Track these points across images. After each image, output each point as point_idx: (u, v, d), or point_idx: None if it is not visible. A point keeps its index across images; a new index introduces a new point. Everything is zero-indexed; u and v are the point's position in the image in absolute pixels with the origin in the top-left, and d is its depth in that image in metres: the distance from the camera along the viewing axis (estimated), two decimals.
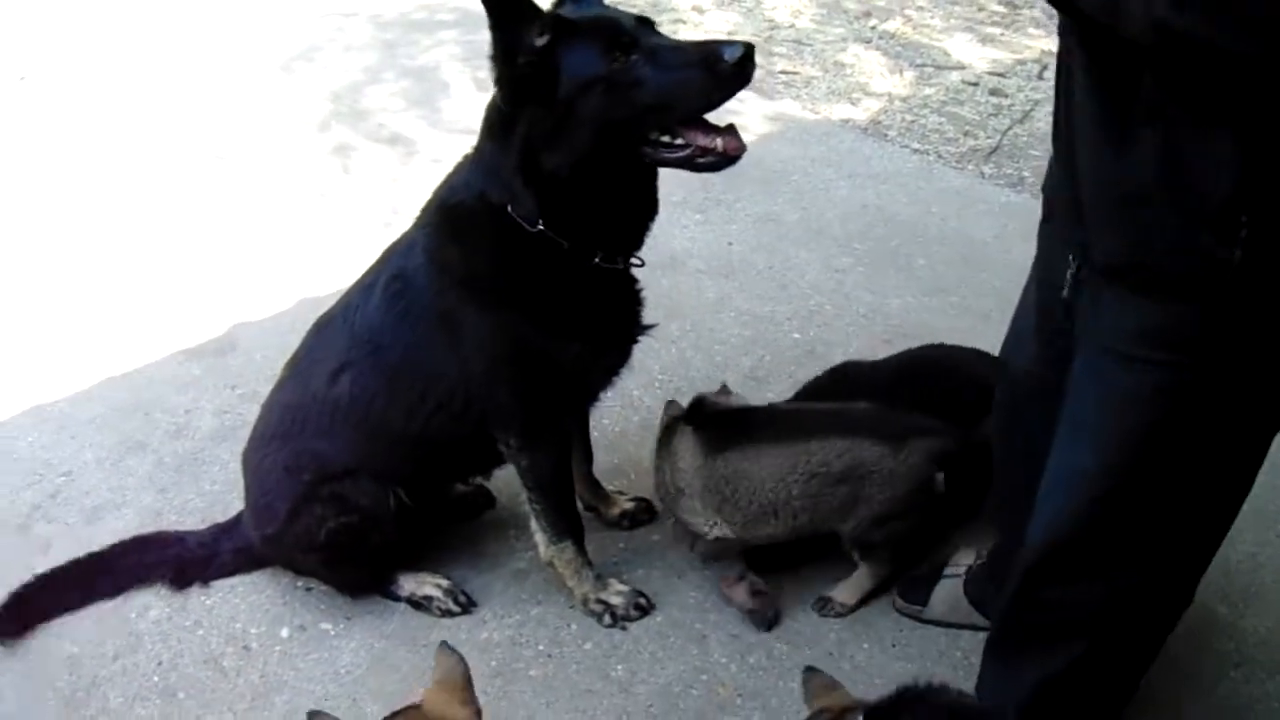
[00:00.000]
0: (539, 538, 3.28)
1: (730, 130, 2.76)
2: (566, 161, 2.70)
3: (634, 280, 3.09)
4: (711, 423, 3.32)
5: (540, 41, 2.63)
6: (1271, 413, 2.29)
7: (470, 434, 3.13)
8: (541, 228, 2.79)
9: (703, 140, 2.73)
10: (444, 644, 2.27)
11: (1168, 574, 2.48)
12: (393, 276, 3.07)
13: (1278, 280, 2.02)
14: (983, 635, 2.98)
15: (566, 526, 3.26)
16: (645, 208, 2.97)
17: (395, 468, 3.19)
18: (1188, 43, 1.78)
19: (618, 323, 3.11)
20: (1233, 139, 1.90)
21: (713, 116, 2.75)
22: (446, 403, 3.06)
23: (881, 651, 3.22)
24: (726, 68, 2.62)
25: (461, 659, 2.23)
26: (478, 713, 2.18)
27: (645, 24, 2.77)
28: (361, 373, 3.11)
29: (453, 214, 2.97)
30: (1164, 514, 2.35)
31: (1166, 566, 2.46)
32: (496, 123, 2.80)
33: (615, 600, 3.28)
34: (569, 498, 3.31)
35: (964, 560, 3.31)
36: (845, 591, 3.30)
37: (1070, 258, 2.35)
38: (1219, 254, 1.98)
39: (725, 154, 2.74)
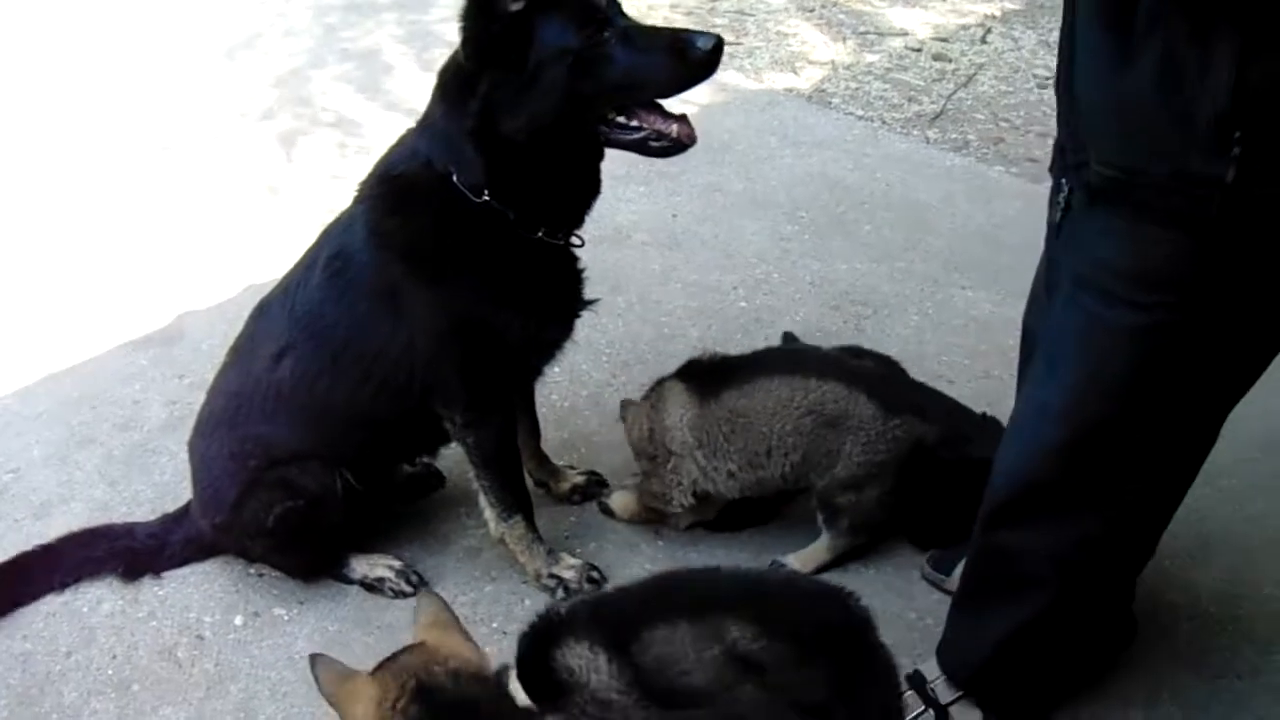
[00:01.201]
0: (488, 515, 3.27)
1: (684, 119, 2.79)
2: (525, 128, 2.72)
3: (575, 257, 3.10)
4: (702, 374, 3.32)
5: (516, 6, 2.64)
6: (1254, 361, 2.27)
7: (415, 412, 3.12)
8: (487, 198, 2.80)
9: (660, 125, 2.77)
10: (425, 589, 2.27)
11: (1133, 522, 2.48)
12: (333, 255, 3.06)
13: (1271, 212, 2.01)
14: (902, 635, 3.02)
15: (515, 502, 3.26)
16: (590, 186, 2.99)
17: (341, 450, 3.18)
18: None
19: (559, 297, 3.11)
20: (1230, 50, 1.88)
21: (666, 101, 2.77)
22: (390, 380, 3.05)
23: None
24: (697, 55, 2.66)
25: (446, 602, 2.23)
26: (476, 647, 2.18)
27: (616, 4, 2.79)
28: (303, 354, 3.10)
29: (395, 186, 2.98)
30: (1132, 460, 2.35)
31: (1132, 514, 2.45)
32: (453, 85, 2.81)
33: (567, 574, 3.28)
34: (517, 473, 3.30)
35: None
36: (801, 559, 3.29)
37: (1063, 181, 2.33)
38: (1211, 170, 1.97)
39: (678, 140, 2.78)
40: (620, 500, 3.48)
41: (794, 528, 3.41)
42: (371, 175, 3.07)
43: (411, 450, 3.42)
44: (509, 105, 2.71)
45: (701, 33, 2.69)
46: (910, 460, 3.16)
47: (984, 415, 3.34)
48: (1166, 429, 2.31)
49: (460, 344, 3.00)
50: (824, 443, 3.13)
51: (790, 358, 3.35)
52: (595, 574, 3.30)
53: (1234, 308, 2.15)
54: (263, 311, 3.28)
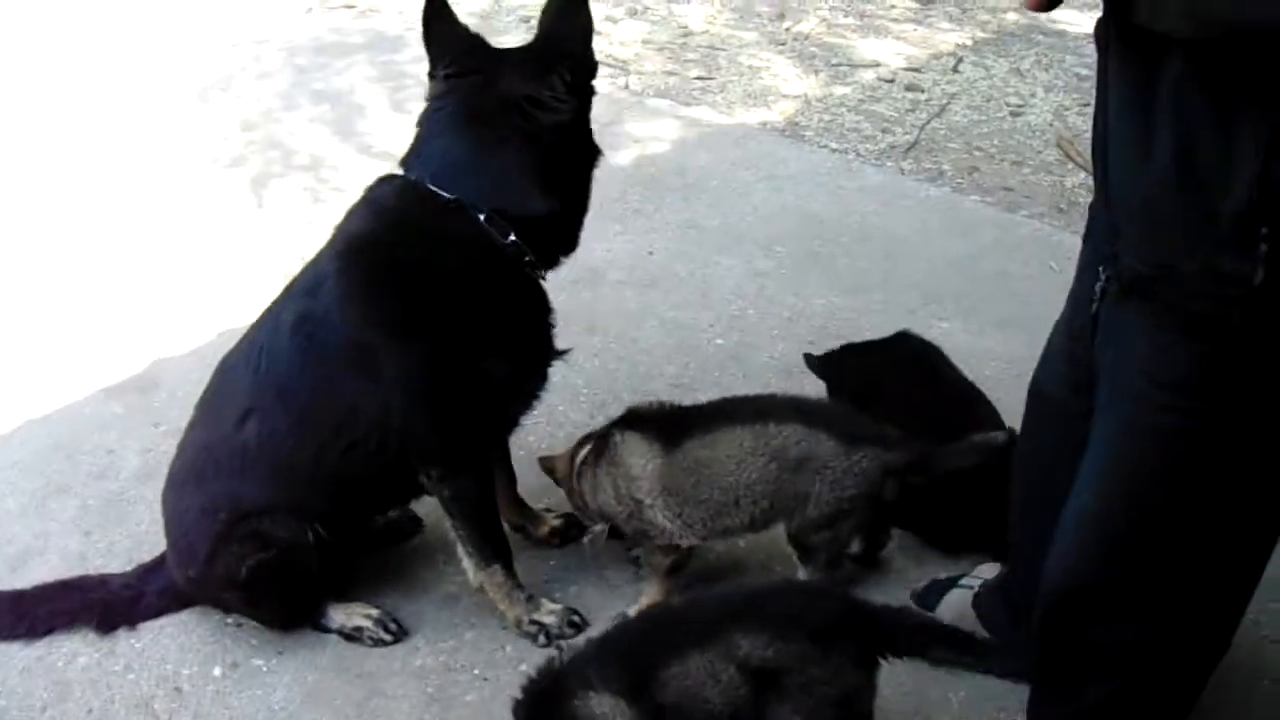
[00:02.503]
0: (467, 564, 3.25)
1: None
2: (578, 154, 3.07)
3: (549, 305, 3.15)
4: (658, 422, 3.27)
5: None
6: None
7: (389, 468, 3.11)
8: (513, 238, 2.93)
9: None
10: None
11: (1189, 621, 2.40)
12: (300, 318, 3.05)
13: None
14: (882, 672, 2.98)
15: (493, 550, 3.24)
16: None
17: (311, 505, 3.15)
18: (1220, 27, 1.75)
19: (540, 339, 3.12)
20: (1255, 139, 1.84)
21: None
22: (362, 440, 3.03)
23: None
24: None
25: None
26: None
27: None
28: (268, 416, 3.09)
29: (369, 240, 2.99)
30: (1175, 562, 2.30)
31: (1187, 614, 2.38)
32: (494, 120, 2.95)
33: (548, 620, 3.26)
34: (494, 522, 3.29)
35: (985, 573, 3.25)
36: None
37: (1100, 269, 2.29)
38: (1237, 269, 1.92)
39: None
40: (646, 597, 3.36)
41: (771, 562, 3.41)
42: (343, 230, 3.08)
43: (385, 503, 3.41)
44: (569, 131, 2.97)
45: None
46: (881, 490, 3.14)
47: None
48: (1208, 531, 2.26)
49: (440, 397, 3.00)
50: (791, 486, 3.10)
51: (749, 405, 3.30)
52: (576, 618, 3.28)
53: (1265, 415, 2.11)
54: (226, 369, 3.26)
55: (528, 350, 3.07)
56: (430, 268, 2.94)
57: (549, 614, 3.27)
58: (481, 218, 2.92)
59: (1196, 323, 2.03)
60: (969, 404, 3.54)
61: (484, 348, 2.96)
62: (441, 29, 3.04)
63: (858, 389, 3.60)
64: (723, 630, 2.51)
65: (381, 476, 3.16)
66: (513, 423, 3.26)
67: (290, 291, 3.15)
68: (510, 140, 2.94)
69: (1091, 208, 2.51)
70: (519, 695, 2.59)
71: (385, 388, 2.98)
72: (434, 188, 2.95)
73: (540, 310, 3.11)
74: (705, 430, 3.17)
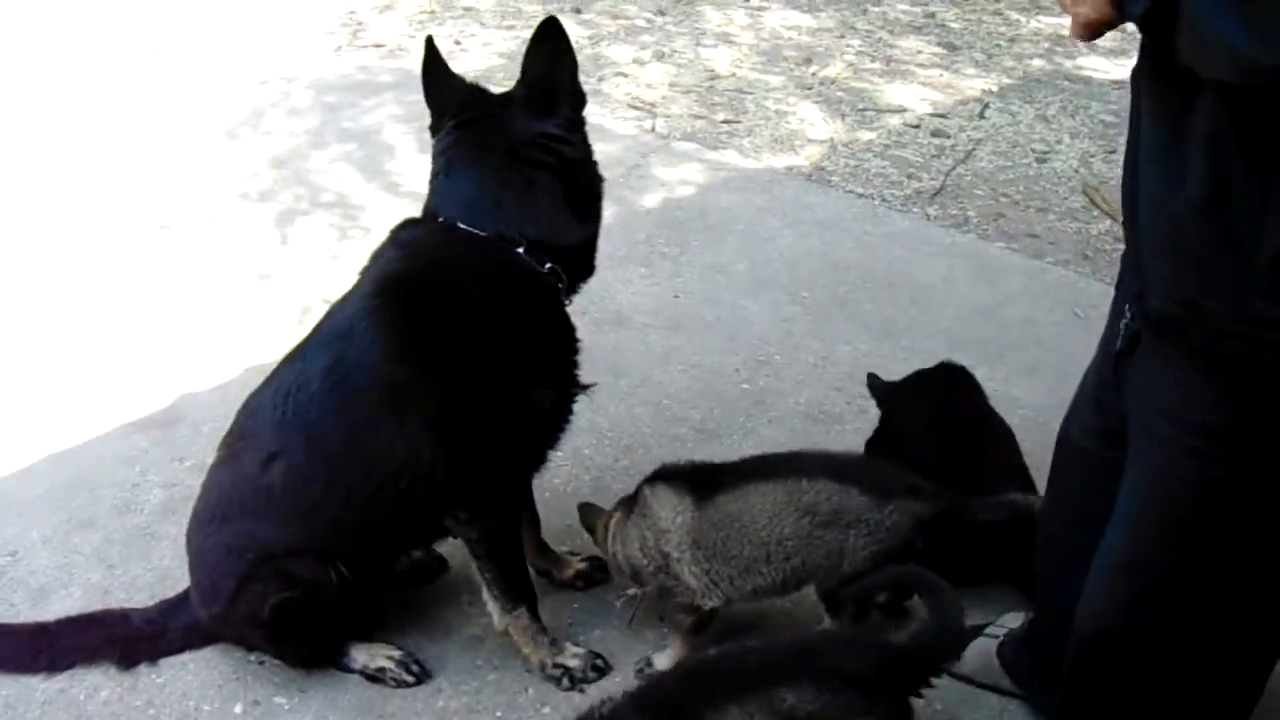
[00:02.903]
0: (492, 606, 3.24)
1: None
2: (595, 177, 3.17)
3: (573, 323, 3.20)
4: (689, 476, 3.24)
5: None
6: None
7: (414, 512, 3.11)
8: (550, 265, 3.00)
9: None
10: None
11: (1222, 672, 2.39)
12: (333, 363, 3.05)
13: None
14: (938, 692, 2.97)
15: (519, 593, 3.23)
16: None
17: (336, 547, 3.14)
18: (1267, 73, 1.74)
19: (571, 367, 3.16)
20: None
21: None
22: (390, 483, 3.03)
23: None
24: None
25: None
26: None
27: None
28: (294, 461, 3.09)
29: (401, 281, 3.02)
30: (1207, 611, 2.27)
31: (1226, 661, 2.37)
32: (536, 170, 3.04)
33: (573, 664, 3.24)
34: (520, 564, 3.28)
35: (1011, 622, 3.23)
36: None
37: (1126, 308, 2.27)
38: (1270, 312, 1.91)
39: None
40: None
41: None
42: (380, 273, 3.09)
43: (410, 545, 3.41)
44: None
45: None
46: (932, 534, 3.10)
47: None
48: (1239, 578, 2.24)
49: (478, 435, 3.01)
50: (823, 543, 3.05)
51: (780, 461, 3.27)
52: (600, 662, 3.27)
53: None
54: (251, 412, 3.26)
55: (562, 379, 3.10)
56: (473, 301, 2.96)
57: (573, 657, 3.26)
58: (520, 250, 2.98)
59: (1225, 365, 2.01)
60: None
61: (526, 377, 3.00)
62: (440, 82, 3.18)
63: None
64: (768, 682, 2.49)
65: (408, 519, 3.16)
66: (543, 459, 3.25)
67: (319, 334, 3.16)
68: (537, 176, 3.02)
69: (1124, 258, 2.49)
70: None
71: (417, 429, 2.98)
72: (466, 226, 2.98)
73: (570, 338, 3.15)
74: (737, 484, 3.14)
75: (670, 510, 3.16)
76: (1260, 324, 1.94)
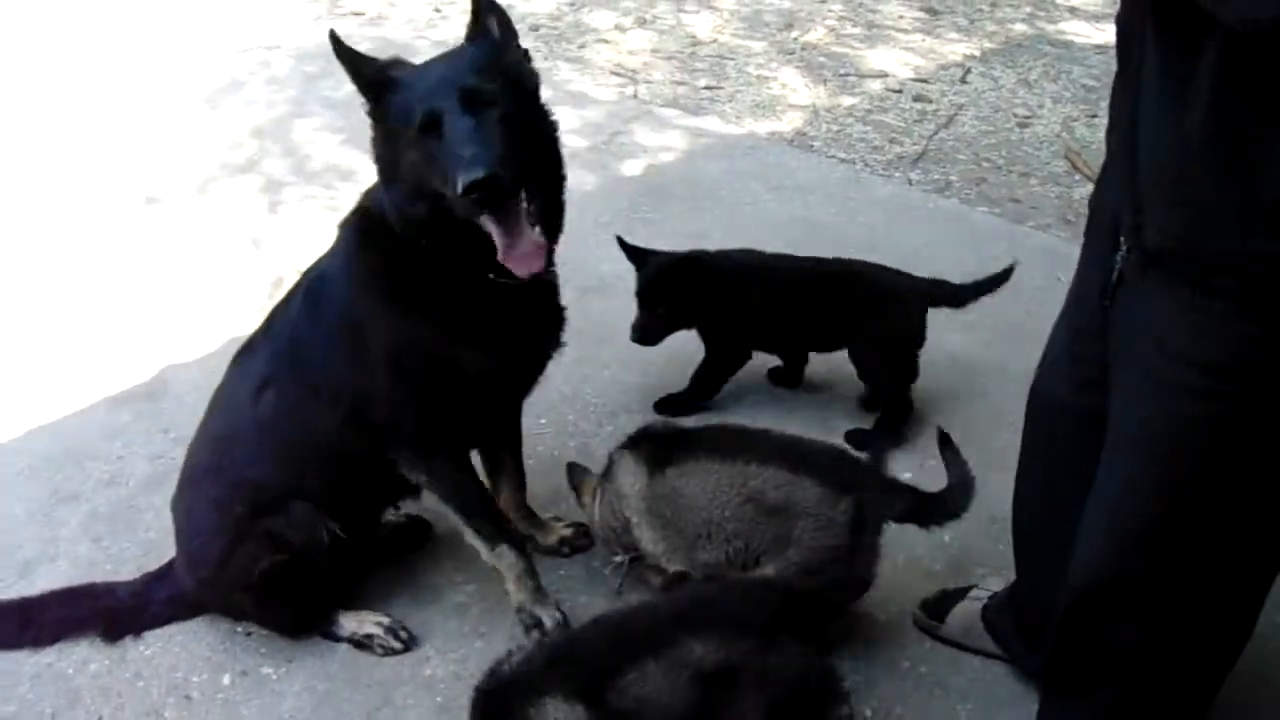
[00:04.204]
0: (477, 547, 3.26)
1: (533, 249, 2.75)
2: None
3: (551, 295, 3.15)
4: (650, 443, 3.27)
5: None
6: None
7: (377, 447, 3.11)
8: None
9: (497, 238, 2.73)
10: None
11: (1218, 614, 2.39)
12: (315, 279, 3.10)
13: None
14: (893, 684, 3.08)
15: (495, 531, 3.25)
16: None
17: (321, 489, 3.16)
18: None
19: (523, 337, 3.11)
20: None
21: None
22: (358, 411, 3.05)
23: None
24: (456, 187, 2.59)
25: None
26: None
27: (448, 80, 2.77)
28: (283, 385, 3.13)
29: (367, 217, 3.02)
30: (1208, 554, 2.26)
31: (1216, 607, 2.36)
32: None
33: (547, 620, 3.25)
34: (488, 504, 3.30)
35: (993, 585, 3.25)
36: None
37: (1121, 240, 2.21)
38: (1271, 250, 1.91)
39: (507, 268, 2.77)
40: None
41: None
42: (355, 205, 3.11)
43: (392, 491, 3.36)
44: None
45: (474, 162, 2.59)
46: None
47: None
48: (1237, 522, 2.23)
49: (412, 377, 3.01)
50: (768, 529, 3.04)
51: (737, 439, 3.25)
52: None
53: None
54: (242, 356, 3.30)
55: (498, 339, 3.03)
56: (390, 251, 2.94)
57: (549, 615, 3.27)
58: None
59: (1224, 300, 2.00)
60: None
61: (447, 330, 2.96)
62: (360, 62, 2.94)
63: None
64: (677, 634, 2.57)
65: (381, 458, 3.14)
66: (490, 412, 3.26)
67: (312, 266, 3.19)
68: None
69: (1091, 201, 2.50)
70: (480, 688, 2.62)
71: (368, 359, 3.00)
72: None
73: (515, 307, 3.02)
74: (686, 459, 3.16)
75: (630, 477, 3.21)
76: (1260, 260, 1.94)
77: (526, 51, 2.96)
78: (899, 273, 4.13)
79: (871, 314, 4.02)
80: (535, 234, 2.75)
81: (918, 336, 4.05)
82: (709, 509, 3.08)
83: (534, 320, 3.12)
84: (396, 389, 3.01)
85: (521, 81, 2.88)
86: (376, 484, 3.31)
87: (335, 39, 2.83)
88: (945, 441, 3.05)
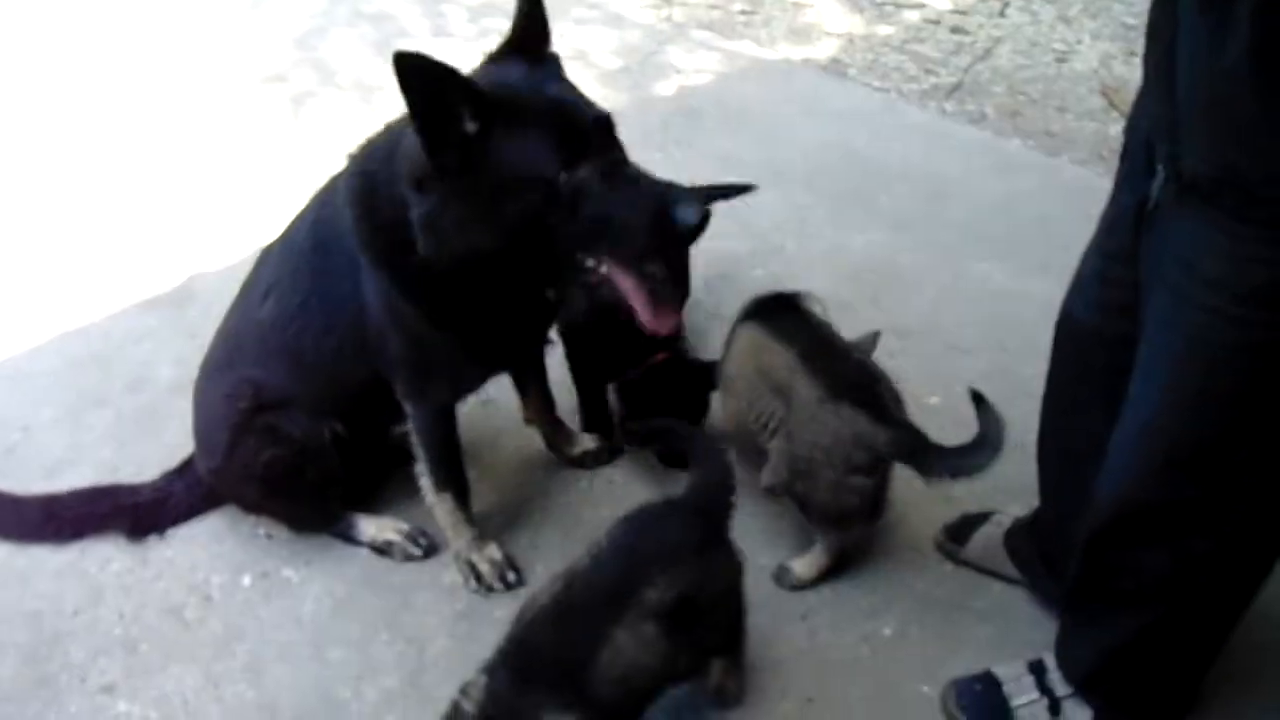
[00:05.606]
0: (423, 483, 3.23)
1: (666, 307, 2.71)
2: (457, 256, 2.62)
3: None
4: (751, 308, 3.36)
5: (471, 127, 2.47)
6: None
7: (372, 370, 3.06)
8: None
9: (632, 294, 2.65)
10: None
11: (1244, 543, 2.36)
12: (321, 205, 3.04)
13: None
14: (911, 605, 3.10)
15: (446, 479, 3.22)
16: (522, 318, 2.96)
17: (322, 399, 3.16)
18: None
19: (507, 330, 3.02)
20: None
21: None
22: (348, 338, 3.01)
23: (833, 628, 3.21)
24: (677, 227, 2.49)
25: None
26: None
27: (604, 121, 2.60)
28: (281, 294, 3.09)
29: (364, 179, 2.84)
30: (1239, 480, 2.24)
31: (1243, 535, 2.34)
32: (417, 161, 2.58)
33: (482, 567, 3.22)
34: (452, 455, 3.23)
35: (1016, 511, 3.23)
36: (803, 565, 3.22)
37: (1157, 166, 2.18)
38: None
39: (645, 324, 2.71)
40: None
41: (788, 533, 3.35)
42: (358, 152, 2.92)
43: (388, 410, 3.23)
44: (450, 226, 2.56)
45: (689, 197, 2.49)
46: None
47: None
48: (1271, 449, 2.20)
49: (401, 335, 2.94)
50: (768, 403, 3.08)
51: (785, 317, 3.24)
52: (512, 576, 3.23)
53: None
54: (265, 253, 3.28)
55: (479, 329, 2.93)
56: (382, 220, 2.78)
57: (485, 561, 3.23)
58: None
59: (1269, 227, 1.97)
60: None
61: (430, 319, 2.88)
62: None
63: None
64: (627, 595, 2.48)
65: (375, 380, 3.09)
66: (478, 381, 3.25)
67: (329, 185, 3.10)
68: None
69: (1126, 127, 2.46)
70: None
71: (366, 297, 2.92)
72: None
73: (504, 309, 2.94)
74: (746, 319, 3.29)
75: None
76: None
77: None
78: None
79: None
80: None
81: None
82: (733, 363, 3.25)
83: (521, 316, 3.03)
84: (388, 334, 2.94)
85: None
86: (375, 403, 3.23)
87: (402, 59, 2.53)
88: (980, 400, 2.99)
